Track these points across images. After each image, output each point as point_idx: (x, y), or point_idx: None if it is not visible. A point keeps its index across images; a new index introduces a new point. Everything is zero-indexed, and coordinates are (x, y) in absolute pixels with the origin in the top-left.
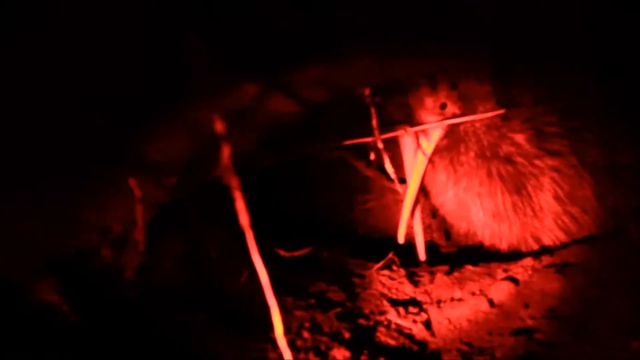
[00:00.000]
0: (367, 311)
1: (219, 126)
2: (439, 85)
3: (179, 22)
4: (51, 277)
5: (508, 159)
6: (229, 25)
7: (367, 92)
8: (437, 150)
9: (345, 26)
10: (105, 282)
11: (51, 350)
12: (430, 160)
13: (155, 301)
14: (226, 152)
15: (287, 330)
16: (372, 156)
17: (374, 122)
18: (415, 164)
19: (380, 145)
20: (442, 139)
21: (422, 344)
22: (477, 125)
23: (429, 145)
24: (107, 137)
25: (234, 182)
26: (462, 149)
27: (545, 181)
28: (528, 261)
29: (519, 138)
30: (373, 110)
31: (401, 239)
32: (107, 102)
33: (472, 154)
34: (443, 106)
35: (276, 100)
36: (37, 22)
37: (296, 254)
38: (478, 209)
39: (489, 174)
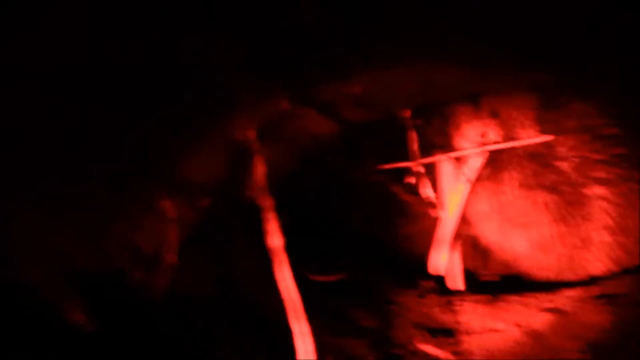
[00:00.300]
0: (399, 339)
1: (255, 145)
2: (479, 112)
3: (219, 38)
4: (80, 295)
5: (554, 188)
6: (269, 40)
7: (407, 114)
8: (478, 179)
9: (388, 40)
10: (134, 302)
11: None
12: (471, 190)
13: (184, 322)
14: (261, 172)
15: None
16: (412, 180)
17: (414, 146)
18: (453, 192)
19: (420, 169)
20: (483, 167)
21: None
22: (520, 154)
23: (469, 174)
24: (143, 157)
25: (268, 203)
26: (505, 178)
27: (594, 210)
28: (574, 291)
29: (565, 166)
30: (413, 134)
31: (441, 270)
32: (146, 117)
33: (515, 183)
34: (484, 135)
35: (314, 119)
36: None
37: (330, 279)
38: (523, 239)
39: (535, 204)
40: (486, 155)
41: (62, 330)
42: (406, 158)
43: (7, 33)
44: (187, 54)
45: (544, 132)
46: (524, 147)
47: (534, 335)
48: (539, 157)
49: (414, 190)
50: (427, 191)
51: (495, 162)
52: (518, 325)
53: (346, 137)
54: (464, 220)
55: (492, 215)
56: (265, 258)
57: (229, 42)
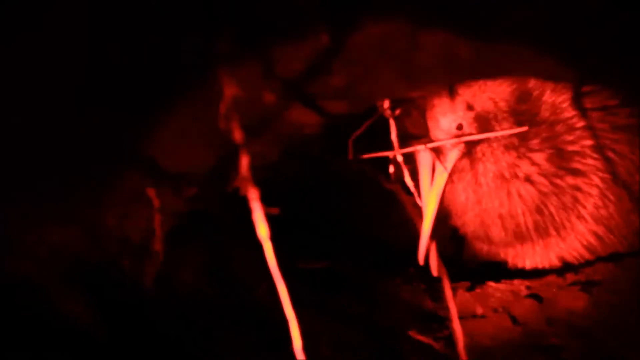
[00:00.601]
0: (388, 327)
1: (238, 135)
2: (454, 106)
3: (203, 23)
4: (75, 286)
5: (528, 179)
6: (251, 25)
7: (386, 104)
8: (455, 172)
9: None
10: (124, 292)
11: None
12: (449, 181)
13: (174, 312)
14: (245, 162)
15: (306, 345)
16: (391, 169)
17: (394, 136)
18: (431, 182)
19: (399, 158)
20: (459, 159)
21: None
22: (495, 146)
23: (447, 165)
24: (128, 141)
25: (253, 193)
26: (480, 170)
27: (567, 200)
28: (552, 278)
29: (539, 158)
30: (393, 123)
31: (421, 260)
32: (124, 106)
33: (490, 175)
34: (459, 127)
35: (298, 111)
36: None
37: (316, 266)
38: (500, 229)
39: (509, 195)
40: (462, 147)
41: (57, 323)
42: (387, 148)
43: (7, 31)
44: (170, 43)
45: (518, 124)
46: (498, 140)
47: (514, 320)
48: (513, 149)
49: (396, 179)
50: (407, 180)
51: (471, 155)
52: (498, 311)
53: (329, 128)
54: (444, 210)
55: (469, 206)
56: (255, 247)
57: (211, 28)
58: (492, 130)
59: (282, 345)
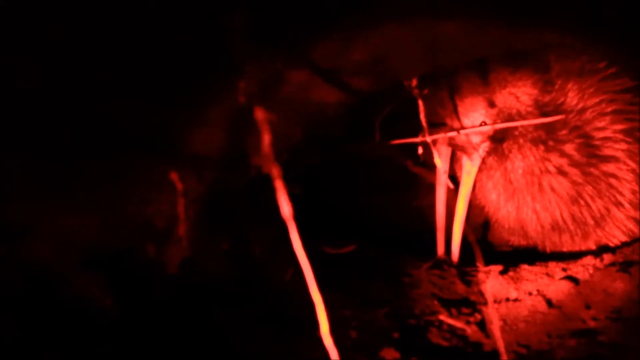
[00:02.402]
0: (417, 311)
1: (260, 113)
2: (476, 104)
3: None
4: (93, 271)
5: (559, 171)
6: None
7: (414, 83)
8: (483, 169)
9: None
10: (147, 278)
11: (90, 344)
12: (478, 179)
13: (198, 297)
14: (267, 140)
15: (333, 329)
16: (420, 151)
17: (422, 117)
18: (462, 175)
19: (428, 140)
20: (486, 157)
21: (477, 345)
22: (521, 141)
23: (472, 165)
24: (149, 125)
25: (275, 171)
26: (509, 167)
27: (603, 188)
28: (588, 260)
29: (569, 148)
30: (421, 103)
31: (455, 257)
32: (147, 87)
33: (520, 171)
34: (482, 124)
35: (320, 88)
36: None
37: (342, 251)
38: (536, 224)
39: (541, 189)
40: (487, 145)
41: (75, 309)
42: (414, 129)
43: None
44: (187, 22)
45: (543, 116)
46: (524, 135)
47: (550, 304)
48: (540, 143)
49: (423, 162)
50: (437, 162)
51: (498, 152)
52: (533, 294)
53: (353, 107)
54: (476, 204)
55: (502, 203)
56: (279, 231)
57: (230, 7)
58: (515, 125)
59: (309, 330)
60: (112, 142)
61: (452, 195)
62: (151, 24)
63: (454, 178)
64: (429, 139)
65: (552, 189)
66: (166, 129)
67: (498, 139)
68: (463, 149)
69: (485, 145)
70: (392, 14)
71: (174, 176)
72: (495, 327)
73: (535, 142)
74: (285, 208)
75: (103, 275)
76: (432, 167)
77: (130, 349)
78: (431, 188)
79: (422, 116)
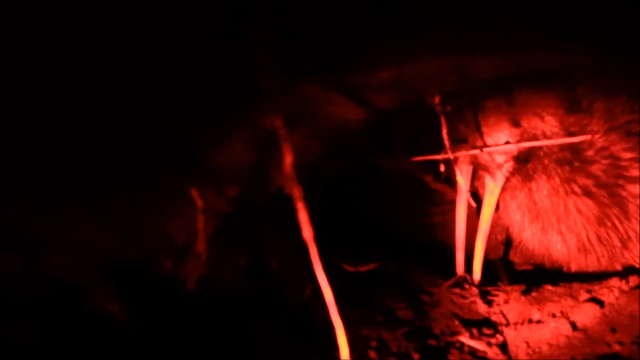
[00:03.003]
0: (437, 331)
1: (282, 132)
2: (500, 124)
3: (246, 16)
4: (110, 284)
5: (586, 192)
6: (295, 17)
7: (437, 99)
8: (507, 189)
9: (423, 16)
10: (166, 292)
11: (108, 353)
12: (502, 199)
13: (217, 312)
14: (288, 160)
15: (352, 349)
16: (442, 169)
17: (445, 133)
18: (485, 194)
19: (451, 157)
20: (510, 177)
21: None
22: (546, 162)
23: (495, 185)
24: (171, 140)
25: (297, 192)
26: (534, 188)
27: (631, 209)
28: (614, 282)
29: (595, 169)
30: (443, 120)
31: (477, 275)
32: (172, 104)
33: (545, 192)
34: (506, 144)
35: (342, 105)
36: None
37: (362, 269)
38: (561, 245)
39: (567, 210)
40: (510, 165)
41: (94, 321)
42: (435, 144)
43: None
44: (213, 41)
45: (569, 136)
46: (549, 155)
47: (574, 327)
48: (566, 164)
49: (444, 178)
50: (459, 179)
51: (521, 172)
52: (557, 316)
53: (374, 123)
54: (498, 222)
55: (526, 224)
56: (298, 248)
57: (256, 26)
58: (540, 146)
59: (327, 348)
60: (133, 156)
61: (473, 212)
62: (175, 41)
63: (475, 195)
64: (451, 156)
65: (578, 211)
66: (188, 145)
67: (522, 159)
68: (486, 169)
69: (509, 165)
70: (427, 51)
71: (194, 192)
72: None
73: (560, 162)
74: (306, 230)
75: (120, 287)
76: (453, 184)
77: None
78: (452, 204)
79: (444, 133)
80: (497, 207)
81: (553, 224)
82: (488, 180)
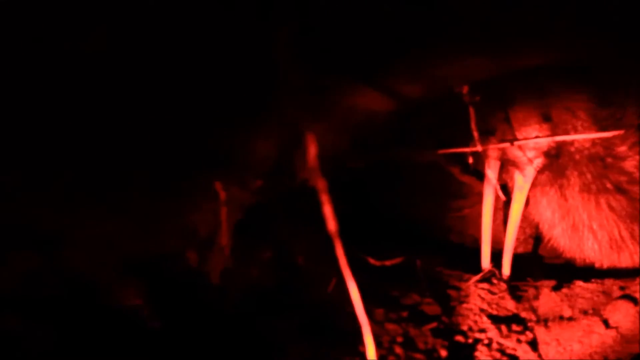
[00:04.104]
0: (465, 327)
1: (306, 124)
2: (530, 119)
3: (270, 13)
4: (133, 280)
5: (618, 188)
6: (319, 12)
7: (465, 90)
8: (537, 185)
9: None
10: (189, 286)
11: (131, 354)
12: (533, 195)
13: (240, 306)
14: (312, 152)
15: (378, 345)
16: (470, 161)
17: (473, 125)
18: (515, 190)
19: (479, 149)
20: (540, 173)
21: None
22: (578, 157)
23: (525, 181)
24: (194, 135)
25: (321, 185)
26: (565, 184)
27: None
28: None
29: (628, 165)
30: (472, 110)
31: (507, 270)
32: (196, 99)
33: (576, 188)
34: (536, 138)
35: (368, 97)
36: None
37: (387, 263)
38: (592, 242)
39: (598, 207)
40: (541, 161)
41: (114, 318)
42: (464, 137)
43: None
44: (238, 38)
45: (601, 131)
46: (581, 151)
47: (607, 324)
48: (598, 159)
49: (472, 171)
50: (488, 172)
51: (552, 168)
52: (588, 313)
53: (401, 114)
54: (528, 217)
55: (556, 221)
56: (322, 242)
57: (281, 21)
58: (571, 141)
59: (352, 342)
60: (155, 150)
61: (501, 205)
62: (200, 38)
63: (504, 187)
64: (480, 148)
65: (610, 208)
66: (211, 139)
67: (553, 155)
68: (516, 164)
69: (539, 161)
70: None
71: (217, 185)
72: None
73: (592, 158)
74: (331, 223)
75: (142, 284)
76: (480, 176)
77: (171, 357)
78: (480, 197)
79: (472, 124)
80: (527, 203)
81: (584, 221)
82: (517, 176)
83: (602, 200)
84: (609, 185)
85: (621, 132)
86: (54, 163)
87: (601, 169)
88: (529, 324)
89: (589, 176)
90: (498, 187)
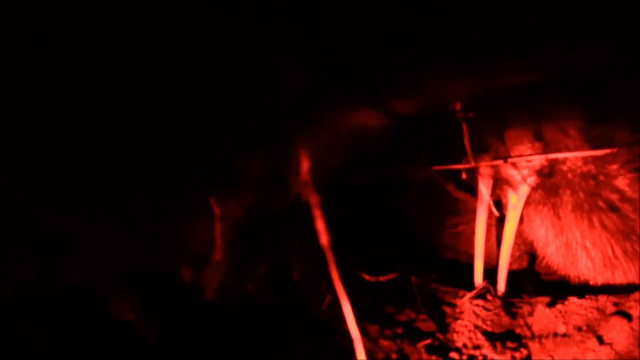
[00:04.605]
0: (459, 344)
1: (300, 139)
2: (522, 138)
3: (270, 13)
4: (129, 293)
5: (611, 207)
6: (318, 21)
7: (457, 106)
8: (531, 204)
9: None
10: (185, 302)
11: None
12: (526, 214)
13: (235, 324)
14: (305, 167)
15: None
16: (464, 177)
17: (467, 141)
18: (509, 209)
19: (473, 165)
20: (533, 192)
21: None
22: (570, 176)
23: (518, 200)
24: (190, 149)
25: (313, 199)
26: (558, 202)
27: None
28: None
29: (620, 183)
30: (465, 127)
31: (501, 287)
32: (190, 111)
33: (569, 206)
34: (529, 160)
35: (361, 111)
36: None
37: (382, 278)
38: (586, 260)
39: (591, 226)
40: (533, 180)
41: (110, 329)
42: (457, 153)
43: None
44: (238, 36)
45: (593, 149)
46: (573, 170)
47: (601, 341)
48: (590, 178)
49: (467, 187)
50: (482, 188)
51: (545, 187)
52: (583, 330)
53: (395, 130)
54: (522, 234)
55: (550, 239)
56: (316, 256)
57: (281, 21)
58: (564, 160)
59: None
60: (154, 163)
61: (495, 222)
62: (198, 46)
63: (498, 203)
64: (473, 165)
65: (603, 225)
66: (207, 153)
67: (545, 174)
68: (509, 183)
69: (532, 180)
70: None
71: (212, 200)
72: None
73: (584, 177)
74: (324, 238)
75: (139, 297)
76: (475, 192)
77: None
78: (474, 213)
79: (466, 140)
80: (521, 221)
81: (577, 239)
82: (511, 194)
83: (595, 219)
84: (601, 204)
85: (613, 150)
86: (54, 163)
87: (593, 187)
88: (524, 341)
89: (581, 194)
90: (492, 203)
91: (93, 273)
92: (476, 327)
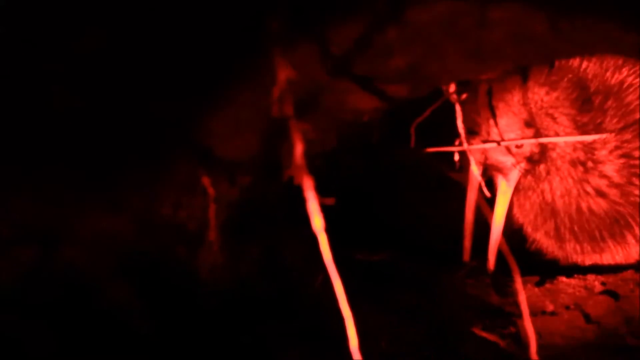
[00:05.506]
0: (449, 322)
1: (292, 121)
2: (512, 125)
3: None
4: (125, 279)
5: (599, 193)
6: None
7: (451, 88)
8: (521, 189)
9: None
10: (180, 286)
11: (125, 353)
12: (515, 199)
13: (230, 311)
14: (299, 149)
15: (363, 341)
16: (457, 157)
17: (460, 123)
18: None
19: (465, 147)
20: (523, 178)
21: (511, 359)
22: (559, 163)
23: (508, 186)
24: (182, 129)
25: (307, 182)
26: (547, 189)
27: None
28: (629, 274)
29: (608, 169)
30: (458, 109)
31: (491, 266)
32: (182, 90)
33: (558, 192)
34: (519, 146)
35: (355, 95)
36: None
37: (373, 258)
38: (574, 244)
39: (579, 211)
40: (523, 166)
41: (105, 313)
42: (450, 135)
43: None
44: (223, 25)
45: (583, 134)
46: (562, 156)
47: (588, 319)
48: (579, 164)
49: (458, 168)
50: (473, 168)
51: (534, 173)
52: (570, 308)
53: (388, 112)
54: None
55: (539, 224)
56: (311, 236)
57: (264, 8)
58: (553, 147)
59: (339, 342)
60: (146, 145)
61: (488, 201)
62: (187, 19)
63: (490, 182)
64: (466, 148)
65: (591, 211)
66: (200, 133)
67: (535, 160)
68: (499, 169)
69: (522, 166)
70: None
71: (206, 181)
72: (533, 343)
73: (573, 163)
74: (316, 220)
75: (134, 286)
76: (467, 173)
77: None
78: (465, 193)
79: (459, 122)
80: (511, 206)
81: (566, 224)
82: (501, 180)
83: (584, 204)
84: (589, 189)
85: (602, 135)
86: (48, 158)
87: (582, 173)
88: (513, 319)
89: (570, 181)
90: (483, 183)
91: (90, 262)
92: (466, 305)
